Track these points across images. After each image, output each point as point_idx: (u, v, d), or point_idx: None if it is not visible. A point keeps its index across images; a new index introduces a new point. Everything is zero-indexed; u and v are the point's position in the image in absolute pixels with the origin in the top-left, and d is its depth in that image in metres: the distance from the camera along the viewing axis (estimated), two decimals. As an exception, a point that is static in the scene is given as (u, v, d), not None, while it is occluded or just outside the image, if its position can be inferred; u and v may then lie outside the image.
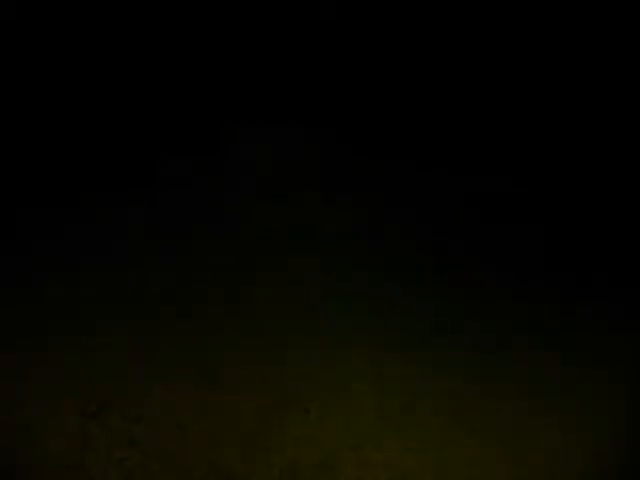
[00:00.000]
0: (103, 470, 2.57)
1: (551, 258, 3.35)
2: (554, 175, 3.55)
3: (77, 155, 3.55)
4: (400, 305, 3.15)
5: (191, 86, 3.59)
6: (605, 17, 3.42)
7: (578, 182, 3.52)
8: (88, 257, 3.24)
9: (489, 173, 3.54)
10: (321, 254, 3.32)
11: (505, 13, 3.40)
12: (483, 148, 3.59)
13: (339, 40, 3.50)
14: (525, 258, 3.34)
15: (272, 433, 2.69)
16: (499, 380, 2.92)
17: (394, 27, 3.48)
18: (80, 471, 2.57)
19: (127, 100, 3.56)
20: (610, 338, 3.09)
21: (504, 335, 3.08)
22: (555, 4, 3.40)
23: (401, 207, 3.49)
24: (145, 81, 3.61)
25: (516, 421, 2.79)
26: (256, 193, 3.51)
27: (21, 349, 2.89)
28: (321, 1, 3.19)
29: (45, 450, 2.60)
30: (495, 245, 3.38)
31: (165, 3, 3.37)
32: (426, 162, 3.57)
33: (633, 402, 2.87)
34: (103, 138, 3.60)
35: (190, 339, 2.97)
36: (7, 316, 3.00)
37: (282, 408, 2.77)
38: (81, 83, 3.59)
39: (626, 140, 3.55)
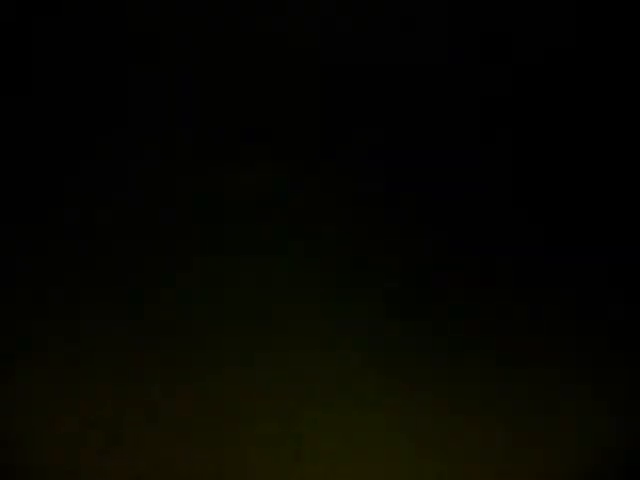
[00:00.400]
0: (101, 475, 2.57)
1: (551, 258, 3.35)
2: (555, 173, 3.54)
3: (81, 157, 3.55)
4: (400, 306, 3.15)
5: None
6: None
7: (578, 180, 3.51)
8: (89, 256, 3.24)
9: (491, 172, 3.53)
10: (320, 255, 3.32)
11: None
12: (482, 151, 3.59)
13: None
14: (524, 258, 3.34)
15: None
16: (499, 380, 2.92)
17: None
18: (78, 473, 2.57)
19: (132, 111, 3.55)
20: (609, 339, 3.08)
21: (504, 335, 3.08)
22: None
23: (401, 207, 3.48)
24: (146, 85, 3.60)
25: (516, 421, 2.79)
26: (256, 197, 3.50)
27: (21, 349, 2.89)
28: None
29: (44, 451, 2.60)
30: (494, 246, 3.37)
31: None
32: (426, 161, 3.57)
33: (633, 402, 2.87)
34: (100, 143, 3.60)
35: (190, 339, 2.97)
36: (7, 315, 3.00)
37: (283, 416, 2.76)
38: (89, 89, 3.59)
39: (623, 137, 3.55)
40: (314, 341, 2.99)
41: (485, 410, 2.82)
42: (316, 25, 3.60)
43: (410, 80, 3.63)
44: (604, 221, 3.43)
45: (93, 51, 3.65)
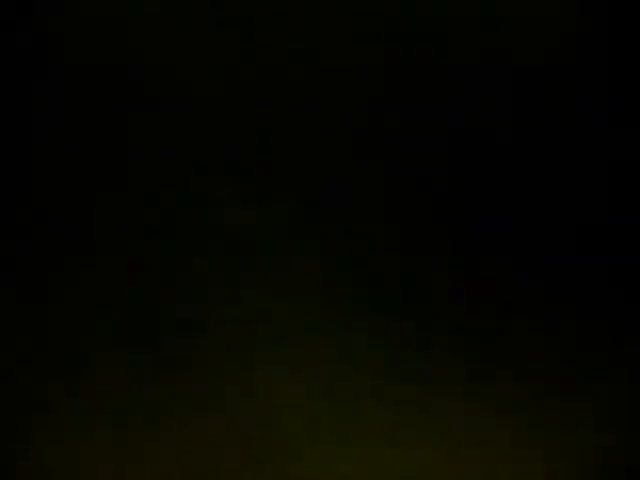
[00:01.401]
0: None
1: (551, 258, 3.35)
2: (555, 173, 3.55)
3: (81, 158, 3.55)
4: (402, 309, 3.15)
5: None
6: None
7: (578, 180, 3.52)
8: (88, 256, 3.24)
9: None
10: (321, 256, 3.32)
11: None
12: (482, 151, 3.59)
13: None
14: (525, 259, 3.34)
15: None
16: (499, 380, 2.92)
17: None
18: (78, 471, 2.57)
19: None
20: (609, 339, 3.09)
21: (504, 335, 3.08)
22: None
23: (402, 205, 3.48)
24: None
25: (515, 421, 2.79)
26: (256, 203, 3.50)
27: (20, 349, 2.89)
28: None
29: (44, 452, 2.60)
30: (495, 246, 3.38)
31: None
32: (425, 161, 3.57)
33: (633, 402, 2.88)
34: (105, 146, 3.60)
35: (191, 339, 2.97)
36: (7, 315, 3.00)
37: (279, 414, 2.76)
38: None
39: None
40: (315, 341, 2.99)
41: (485, 410, 2.82)
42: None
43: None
44: (604, 222, 3.43)
45: (99, 67, 3.66)
